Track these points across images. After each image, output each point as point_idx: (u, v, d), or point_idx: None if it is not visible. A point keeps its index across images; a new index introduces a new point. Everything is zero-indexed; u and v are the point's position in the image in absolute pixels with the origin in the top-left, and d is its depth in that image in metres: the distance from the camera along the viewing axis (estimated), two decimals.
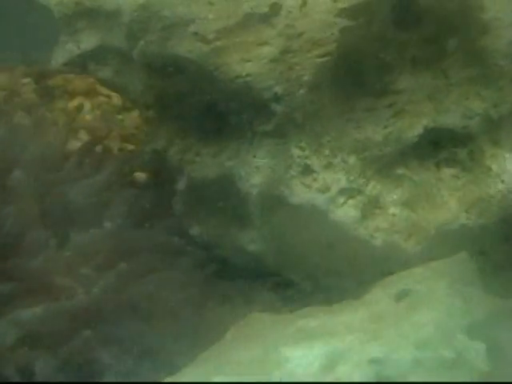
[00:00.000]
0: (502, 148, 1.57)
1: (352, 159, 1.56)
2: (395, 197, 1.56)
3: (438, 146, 1.59)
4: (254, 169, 1.58)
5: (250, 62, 1.53)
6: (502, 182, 1.54)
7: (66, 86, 2.12)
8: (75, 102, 2.13)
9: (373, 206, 1.56)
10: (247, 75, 1.53)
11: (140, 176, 1.79)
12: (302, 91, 1.51)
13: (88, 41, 1.81)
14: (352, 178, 1.55)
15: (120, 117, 2.09)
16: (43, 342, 1.40)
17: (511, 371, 1.28)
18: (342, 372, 1.21)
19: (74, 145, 1.80)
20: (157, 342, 1.46)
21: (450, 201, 1.56)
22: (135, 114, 1.98)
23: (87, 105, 2.11)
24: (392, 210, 1.55)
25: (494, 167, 1.56)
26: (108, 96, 2.16)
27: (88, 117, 2.08)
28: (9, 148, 1.66)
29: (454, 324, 1.31)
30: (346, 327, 1.33)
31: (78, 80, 2.15)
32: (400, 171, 1.58)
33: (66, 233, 1.54)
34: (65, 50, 1.85)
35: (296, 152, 1.55)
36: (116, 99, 2.12)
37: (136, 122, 1.99)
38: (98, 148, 1.79)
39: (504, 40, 1.57)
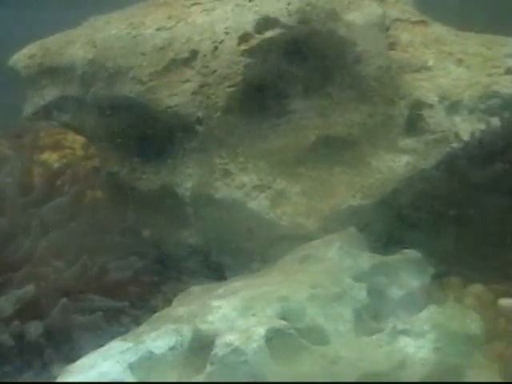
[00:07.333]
0: (378, 148, 1.92)
1: (261, 163, 1.86)
2: (296, 189, 1.85)
3: (330, 150, 1.90)
4: (187, 176, 1.88)
5: (177, 96, 1.87)
6: (380, 173, 1.90)
7: (37, 141, 2.32)
8: (45, 155, 2.33)
9: (279, 197, 1.84)
10: (175, 105, 1.86)
11: (97, 194, 2.13)
12: (217, 114, 1.84)
13: (51, 94, 2.16)
14: (262, 176, 1.85)
15: (83, 164, 2.36)
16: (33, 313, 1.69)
17: (385, 305, 1.61)
18: (258, 308, 1.49)
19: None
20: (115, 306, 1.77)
21: (339, 189, 1.85)
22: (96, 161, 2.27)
23: (54, 156, 2.34)
24: (294, 198, 1.84)
25: (373, 162, 1.91)
26: (72, 148, 2.40)
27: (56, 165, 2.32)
28: None
29: (342, 272, 1.59)
30: (262, 282, 1.60)
31: (47, 137, 2.38)
32: (300, 170, 1.88)
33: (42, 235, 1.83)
34: (33, 103, 2.20)
35: (217, 160, 1.86)
36: (79, 151, 2.37)
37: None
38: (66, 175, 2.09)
39: (373, 66, 1.96)
